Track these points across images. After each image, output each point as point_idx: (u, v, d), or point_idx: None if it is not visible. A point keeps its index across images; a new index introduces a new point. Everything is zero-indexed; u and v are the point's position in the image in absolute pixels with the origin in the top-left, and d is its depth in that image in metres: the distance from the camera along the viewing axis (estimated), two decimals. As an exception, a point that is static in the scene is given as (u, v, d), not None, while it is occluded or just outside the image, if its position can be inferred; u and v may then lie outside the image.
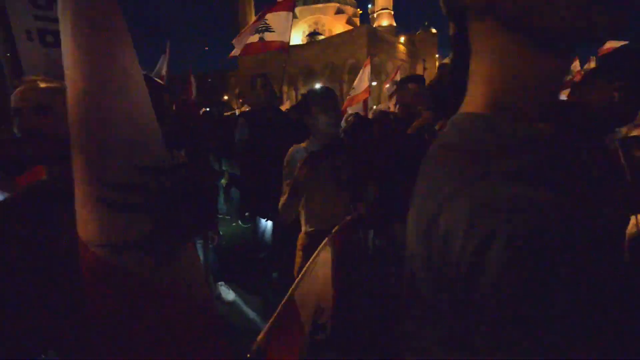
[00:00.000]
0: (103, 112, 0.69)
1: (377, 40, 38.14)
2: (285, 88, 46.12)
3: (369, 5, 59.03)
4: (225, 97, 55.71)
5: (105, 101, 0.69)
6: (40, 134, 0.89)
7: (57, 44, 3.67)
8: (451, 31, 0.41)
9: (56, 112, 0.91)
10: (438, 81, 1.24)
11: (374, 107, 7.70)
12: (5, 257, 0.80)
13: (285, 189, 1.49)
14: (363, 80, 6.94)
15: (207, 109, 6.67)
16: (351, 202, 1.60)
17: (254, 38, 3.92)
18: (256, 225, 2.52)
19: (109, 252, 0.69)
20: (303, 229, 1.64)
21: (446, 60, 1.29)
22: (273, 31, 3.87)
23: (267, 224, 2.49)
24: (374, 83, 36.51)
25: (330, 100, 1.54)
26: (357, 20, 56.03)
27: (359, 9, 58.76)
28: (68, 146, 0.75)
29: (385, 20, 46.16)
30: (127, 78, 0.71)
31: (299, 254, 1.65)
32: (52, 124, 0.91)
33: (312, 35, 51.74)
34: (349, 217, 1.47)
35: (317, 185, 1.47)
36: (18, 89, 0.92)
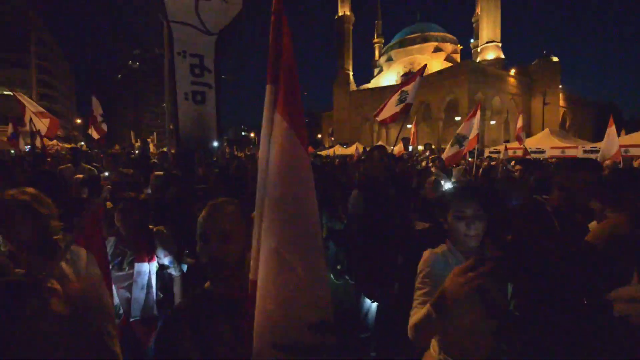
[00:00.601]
0: (287, 275, 0.73)
1: (480, 75, 35.42)
2: (376, 127, 46.99)
3: (471, 40, 56.34)
4: (319, 136, 60.42)
5: (293, 262, 0.73)
6: (222, 262, 0.92)
7: (202, 102, 4.69)
8: None
9: (237, 240, 0.94)
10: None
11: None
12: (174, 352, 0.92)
13: (420, 300, 1.22)
14: (472, 128, 6.24)
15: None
16: (501, 333, 1.22)
17: (399, 107, 5.04)
18: (360, 304, 2.30)
19: None
20: (434, 353, 1.31)
21: None
22: (406, 99, 4.97)
23: (371, 305, 2.24)
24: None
25: (471, 205, 1.23)
26: (457, 57, 53.86)
27: (459, 45, 56.69)
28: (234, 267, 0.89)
29: (491, 54, 42.72)
30: (314, 234, 0.76)
31: None
32: (233, 251, 0.93)
33: (407, 75, 52.13)
34: None
35: (461, 306, 1.16)
36: (205, 211, 0.98)
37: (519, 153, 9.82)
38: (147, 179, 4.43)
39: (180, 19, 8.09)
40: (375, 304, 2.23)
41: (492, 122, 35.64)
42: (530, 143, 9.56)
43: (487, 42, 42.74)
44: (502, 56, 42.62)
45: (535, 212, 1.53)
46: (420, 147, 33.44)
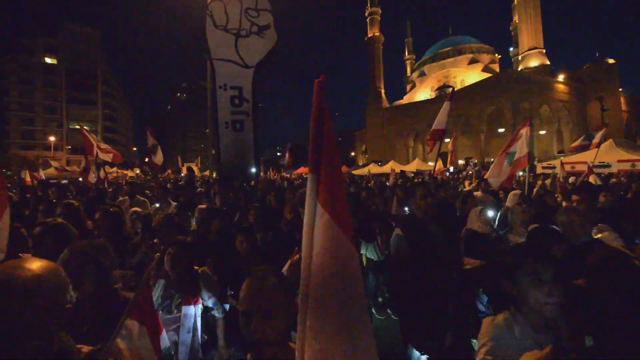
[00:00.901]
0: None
1: (524, 83, 33.32)
2: (411, 142, 45.86)
3: (510, 49, 53.79)
4: (352, 154, 60.32)
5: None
6: (265, 341, 0.88)
7: (241, 129, 5.52)
8: None
9: (280, 315, 0.91)
10: None
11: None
12: None
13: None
14: (522, 147, 5.71)
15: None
16: None
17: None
18: (408, 355, 2.10)
19: None
20: None
21: None
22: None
23: (421, 358, 2.03)
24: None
25: (551, 266, 1.06)
26: (495, 67, 51.59)
27: (497, 55, 54.38)
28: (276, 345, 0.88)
29: (534, 61, 40.15)
30: (363, 333, 0.73)
31: None
32: (275, 328, 0.89)
33: (441, 89, 50.78)
34: None
35: None
36: (245, 286, 0.95)
37: (580, 168, 8.77)
38: (192, 208, 4.67)
39: (221, 56, 8.84)
40: (425, 357, 2.02)
41: (542, 132, 32.94)
42: (592, 156, 8.46)
43: (529, 50, 40.39)
44: (547, 62, 39.87)
45: (622, 272, 1.27)
46: (461, 162, 31.74)
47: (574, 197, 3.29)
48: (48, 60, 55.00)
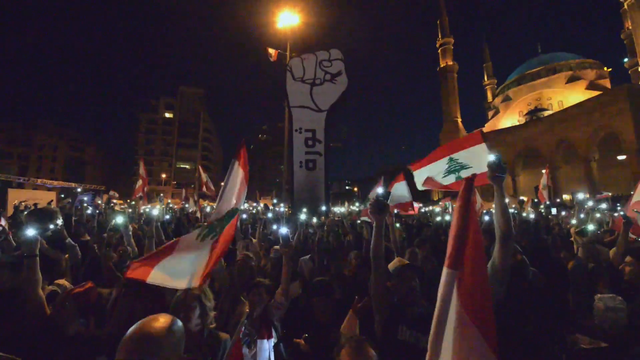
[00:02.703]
0: None
1: (650, 99, 26.96)
2: (498, 173, 40.72)
3: (625, 60, 45.14)
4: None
5: None
6: None
7: (313, 168, 5.81)
8: None
9: None
10: None
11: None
12: None
13: None
14: None
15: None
16: None
17: (450, 179, 3.11)
18: None
19: None
20: None
21: None
22: (470, 167, 3.23)
23: None
24: (657, 157, 24.48)
25: None
26: (605, 82, 43.64)
27: (606, 68, 46.17)
28: None
29: (662, 71, 32.59)
30: None
31: None
32: None
33: (533, 112, 44.90)
34: None
35: None
36: (346, 356, 1.05)
37: None
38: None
39: (298, 104, 9.74)
40: None
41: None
42: None
43: (653, 58, 33.14)
44: (684, 70, 31.84)
45: None
46: (567, 197, 26.47)
47: None
48: (167, 115, 69.69)
